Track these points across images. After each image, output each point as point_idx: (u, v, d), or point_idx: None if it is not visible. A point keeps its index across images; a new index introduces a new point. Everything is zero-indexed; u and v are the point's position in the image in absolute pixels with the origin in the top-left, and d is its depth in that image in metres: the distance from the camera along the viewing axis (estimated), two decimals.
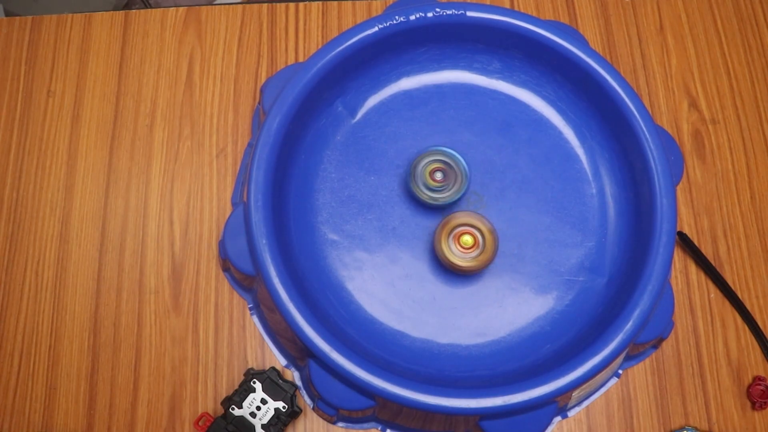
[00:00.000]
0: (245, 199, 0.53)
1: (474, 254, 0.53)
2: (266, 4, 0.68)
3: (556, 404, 0.51)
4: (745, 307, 0.59)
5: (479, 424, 0.50)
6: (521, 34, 0.57)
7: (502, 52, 0.59)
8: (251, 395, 0.54)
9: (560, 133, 0.59)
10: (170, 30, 0.67)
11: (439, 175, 0.55)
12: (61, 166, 0.63)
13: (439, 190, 0.55)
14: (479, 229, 0.53)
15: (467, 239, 0.53)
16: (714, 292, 0.61)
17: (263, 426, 0.53)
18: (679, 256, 0.61)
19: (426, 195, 0.55)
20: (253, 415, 0.54)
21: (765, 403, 0.57)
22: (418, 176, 0.55)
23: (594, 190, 0.58)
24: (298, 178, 0.57)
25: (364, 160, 0.58)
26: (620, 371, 0.58)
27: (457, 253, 0.53)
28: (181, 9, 0.67)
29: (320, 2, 0.68)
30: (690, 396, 0.58)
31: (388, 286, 0.55)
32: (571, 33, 0.58)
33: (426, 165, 0.55)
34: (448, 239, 0.53)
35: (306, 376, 0.54)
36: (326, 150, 0.58)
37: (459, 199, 0.55)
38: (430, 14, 0.56)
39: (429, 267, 0.56)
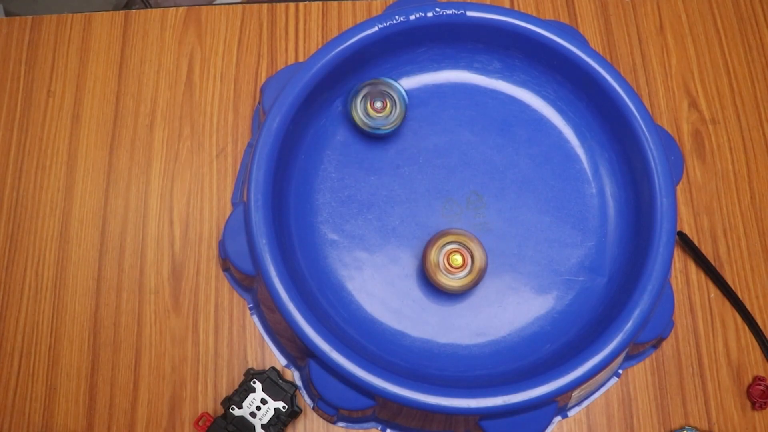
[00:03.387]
0: (245, 199, 0.53)
1: (461, 275, 0.53)
2: (266, 4, 0.68)
3: (556, 404, 0.51)
4: (745, 307, 0.59)
5: (479, 424, 0.50)
6: (521, 34, 0.56)
7: (502, 52, 0.59)
8: (251, 395, 0.54)
9: (560, 133, 0.59)
10: (170, 30, 0.67)
11: (378, 104, 0.56)
12: (61, 166, 0.63)
13: (379, 120, 0.56)
14: (470, 250, 0.53)
15: (457, 258, 0.53)
16: (714, 292, 0.61)
17: (263, 426, 0.53)
18: (679, 256, 0.61)
19: (366, 125, 0.56)
20: (253, 415, 0.54)
21: (765, 403, 0.57)
22: (358, 105, 0.56)
23: (594, 190, 0.58)
24: (298, 178, 0.57)
25: (364, 160, 0.58)
26: (620, 371, 0.58)
27: (444, 271, 0.53)
28: (181, 9, 0.67)
29: (320, 2, 0.68)
30: (690, 396, 0.58)
31: (388, 286, 0.55)
32: (571, 33, 0.58)
33: (365, 95, 0.56)
34: (438, 254, 0.53)
35: (306, 376, 0.54)
36: (326, 150, 0.58)
37: (397, 129, 0.57)
38: (430, 14, 0.56)
39: None
